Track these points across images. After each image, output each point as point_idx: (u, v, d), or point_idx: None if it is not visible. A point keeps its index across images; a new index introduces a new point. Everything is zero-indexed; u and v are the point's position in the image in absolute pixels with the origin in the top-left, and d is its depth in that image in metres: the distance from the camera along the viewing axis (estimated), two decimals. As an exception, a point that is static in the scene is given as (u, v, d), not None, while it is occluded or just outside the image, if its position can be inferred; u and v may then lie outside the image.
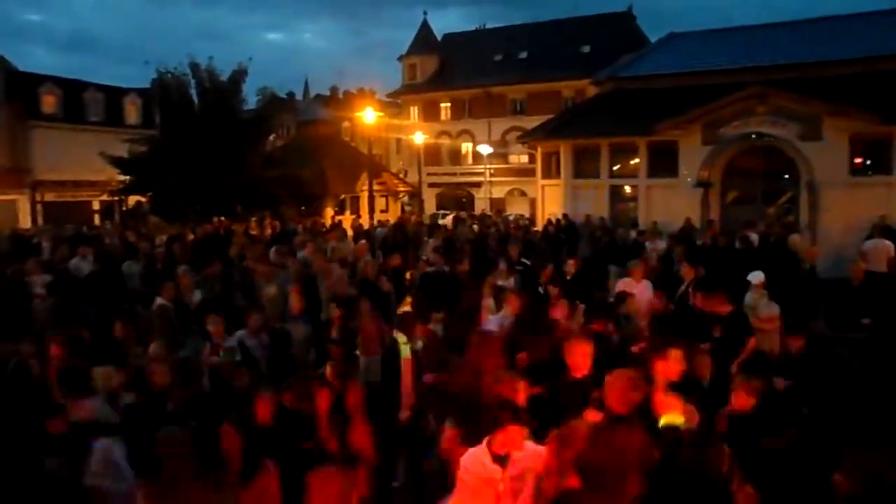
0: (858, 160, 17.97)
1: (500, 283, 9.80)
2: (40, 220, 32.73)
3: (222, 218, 23.90)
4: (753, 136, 18.77)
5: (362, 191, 32.98)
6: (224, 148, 23.64)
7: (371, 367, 7.33)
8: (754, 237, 14.38)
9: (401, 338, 6.82)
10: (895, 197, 17.06)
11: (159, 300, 8.75)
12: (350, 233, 19.39)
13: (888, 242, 13.25)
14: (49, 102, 36.56)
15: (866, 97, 17.21)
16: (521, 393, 4.81)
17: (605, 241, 16.23)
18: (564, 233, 18.95)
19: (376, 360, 7.15)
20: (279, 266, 11.10)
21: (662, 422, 4.22)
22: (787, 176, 19.05)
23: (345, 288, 9.78)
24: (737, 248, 13.36)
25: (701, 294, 8.01)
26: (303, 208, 29.78)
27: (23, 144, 35.18)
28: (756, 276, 8.80)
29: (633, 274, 9.64)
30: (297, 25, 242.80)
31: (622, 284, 9.57)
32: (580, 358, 5.30)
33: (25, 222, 32.22)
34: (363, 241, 15.15)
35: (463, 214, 32.98)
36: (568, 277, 10.11)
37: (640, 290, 8.99)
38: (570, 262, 10.58)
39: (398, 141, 51.66)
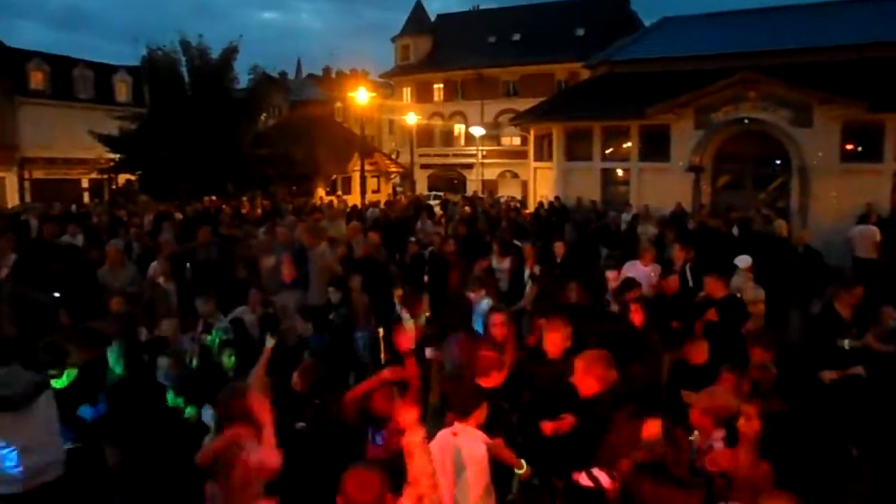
0: (849, 147, 18.02)
1: (493, 265, 9.83)
2: (28, 198, 32.48)
3: (213, 197, 23.82)
4: (745, 121, 18.80)
5: (354, 171, 32.88)
6: (215, 126, 23.51)
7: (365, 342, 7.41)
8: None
9: (404, 314, 6.88)
10: (885, 184, 17.18)
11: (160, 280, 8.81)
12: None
13: (874, 228, 13.37)
14: (37, 79, 36.17)
15: (858, 84, 17.23)
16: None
17: (596, 225, 16.26)
18: (556, 215, 18.98)
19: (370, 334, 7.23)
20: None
21: None
22: (778, 161, 19.11)
23: (333, 264, 9.75)
24: (725, 232, 13.41)
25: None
26: (294, 188, 29.68)
27: (10, 121, 34.82)
28: (743, 261, 8.83)
29: (643, 258, 9.52)
30: (293, 4, 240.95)
31: (629, 268, 9.53)
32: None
33: (13, 200, 32.00)
34: (354, 222, 15.15)
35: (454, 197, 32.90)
36: (558, 260, 10.10)
37: (647, 274, 9.00)
38: (559, 244, 10.53)
39: (390, 122, 51.44)
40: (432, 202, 29.64)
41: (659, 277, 9.03)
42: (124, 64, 39.01)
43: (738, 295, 7.92)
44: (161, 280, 8.84)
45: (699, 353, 5.77)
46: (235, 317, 7.59)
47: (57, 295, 8.30)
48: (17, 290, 8.06)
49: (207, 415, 5.20)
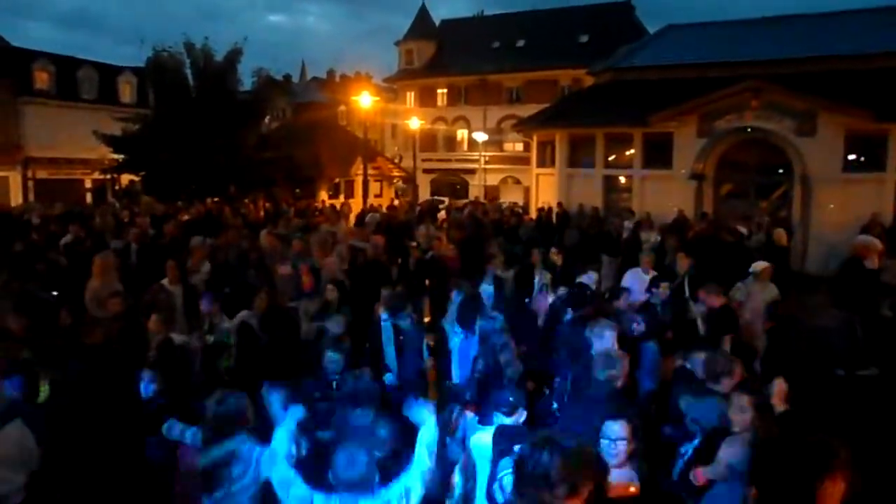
0: (852, 156, 18.01)
1: (499, 273, 9.85)
2: (31, 198, 32.53)
3: (216, 199, 23.83)
4: (748, 129, 18.81)
5: (357, 175, 32.92)
6: (218, 128, 23.52)
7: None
8: (744, 231, 14.48)
9: (383, 314, 6.90)
10: (887, 194, 17.15)
11: (164, 282, 8.73)
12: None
13: (872, 238, 13.35)
14: (42, 79, 36.25)
15: (862, 94, 17.24)
16: None
17: (595, 231, 16.25)
18: (558, 221, 18.99)
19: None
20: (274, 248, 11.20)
21: None
22: (780, 171, 19.10)
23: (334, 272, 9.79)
24: (727, 241, 13.38)
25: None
26: (297, 191, 29.71)
27: (15, 121, 34.88)
28: (761, 265, 8.81)
29: (644, 264, 9.67)
30: (300, 7, 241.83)
31: (630, 275, 9.60)
32: None
33: (16, 199, 32.04)
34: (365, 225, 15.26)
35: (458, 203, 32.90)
36: (558, 266, 10.10)
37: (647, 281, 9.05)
38: (554, 252, 10.53)
39: (394, 126, 51.45)
40: (439, 206, 29.69)
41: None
42: (129, 65, 39.12)
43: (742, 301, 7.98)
44: (166, 282, 8.81)
45: None
46: (242, 321, 7.56)
47: (55, 294, 8.32)
48: (21, 287, 8.10)
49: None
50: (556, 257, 10.31)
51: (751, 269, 8.80)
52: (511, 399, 4.14)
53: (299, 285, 9.18)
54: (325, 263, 9.70)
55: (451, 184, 48.06)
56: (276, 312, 7.78)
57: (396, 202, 31.16)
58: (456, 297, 7.36)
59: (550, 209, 20.33)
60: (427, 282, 10.65)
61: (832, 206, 17.64)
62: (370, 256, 10.78)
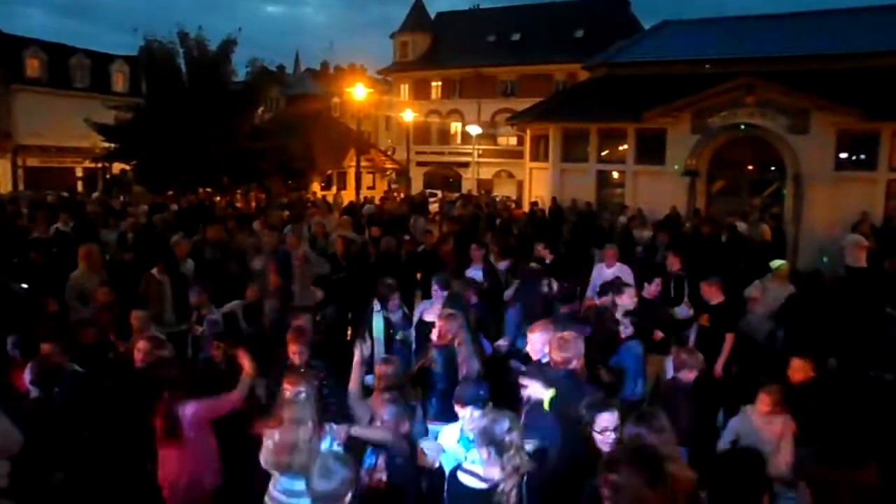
0: (844, 155, 18.05)
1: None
2: (21, 186, 32.32)
3: (208, 189, 23.72)
4: (742, 126, 18.82)
5: (350, 167, 32.86)
6: (211, 118, 23.39)
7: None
8: (742, 227, 14.48)
9: (375, 306, 6.86)
10: (879, 192, 17.23)
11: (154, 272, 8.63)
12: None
13: (858, 236, 13.42)
14: (33, 66, 36.02)
15: (855, 92, 17.27)
16: None
17: (585, 225, 16.26)
18: (552, 216, 19.00)
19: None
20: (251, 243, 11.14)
21: None
22: (773, 168, 19.14)
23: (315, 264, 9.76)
24: (723, 238, 13.40)
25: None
26: (289, 182, 29.60)
27: (5, 108, 34.66)
28: (779, 262, 8.77)
29: (606, 257, 9.61)
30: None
31: (595, 269, 9.56)
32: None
33: (6, 187, 31.84)
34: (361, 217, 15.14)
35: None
36: (547, 261, 10.07)
37: (614, 274, 9.00)
38: (540, 247, 10.49)
39: (387, 118, 51.30)
40: (430, 200, 29.66)
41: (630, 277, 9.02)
42: (122, 54, 38.87)
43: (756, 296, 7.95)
44: (155, 272, 8.72)
45: None
46: (230, 310, 7.56)
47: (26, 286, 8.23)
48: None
49: None
50: (543, 252, 10.28)
51: (771, 267, 8.76)
52: (481, 392, 4.14)
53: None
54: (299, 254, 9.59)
55: (445, 177, 47.96)
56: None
57: (394, 194, 31.15)
58: (440, 292, 7.14)
59: (535, 203, 20.31)
60: (419, 275, 10.64)
61: (827, 201, 17.69)
62: (383, 249, 10.80)
